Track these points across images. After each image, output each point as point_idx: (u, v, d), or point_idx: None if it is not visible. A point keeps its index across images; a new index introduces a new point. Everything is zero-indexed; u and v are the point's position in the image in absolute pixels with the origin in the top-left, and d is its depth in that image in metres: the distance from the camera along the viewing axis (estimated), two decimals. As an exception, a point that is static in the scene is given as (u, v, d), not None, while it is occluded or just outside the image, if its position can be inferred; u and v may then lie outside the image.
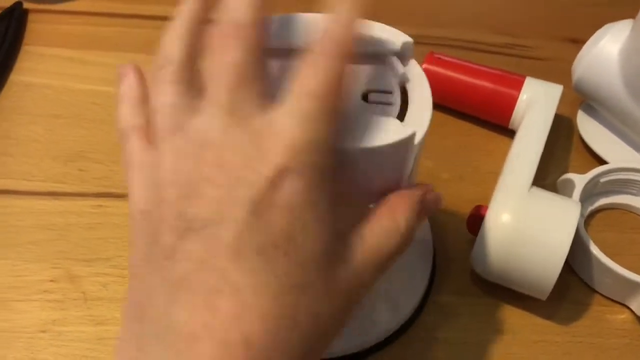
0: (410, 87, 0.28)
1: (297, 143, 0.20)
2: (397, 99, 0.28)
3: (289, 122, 0.20)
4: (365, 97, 0.28)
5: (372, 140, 0.25)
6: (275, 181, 0.20)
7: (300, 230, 0.20)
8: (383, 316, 0.35)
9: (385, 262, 0.25)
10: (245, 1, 0.22)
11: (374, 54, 0.29)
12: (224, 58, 0.21)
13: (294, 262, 0.20)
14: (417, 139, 0.26)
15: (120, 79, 0.26)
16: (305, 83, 0.21)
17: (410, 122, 0.27)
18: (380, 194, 0.27)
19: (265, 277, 0.19)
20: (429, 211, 0.28)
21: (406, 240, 0.26)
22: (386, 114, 0.27)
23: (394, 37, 0.29)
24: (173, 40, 0.23)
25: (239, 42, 0.22)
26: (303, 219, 0.20)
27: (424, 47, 0.30)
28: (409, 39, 0.29)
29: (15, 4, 0.52)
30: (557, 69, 0.47)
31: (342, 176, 0.24)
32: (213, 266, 0.19)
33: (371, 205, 0.27)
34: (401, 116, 0.27)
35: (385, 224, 0.25)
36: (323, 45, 0.22)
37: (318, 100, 0.21)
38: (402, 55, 0.29)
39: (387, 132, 0.25)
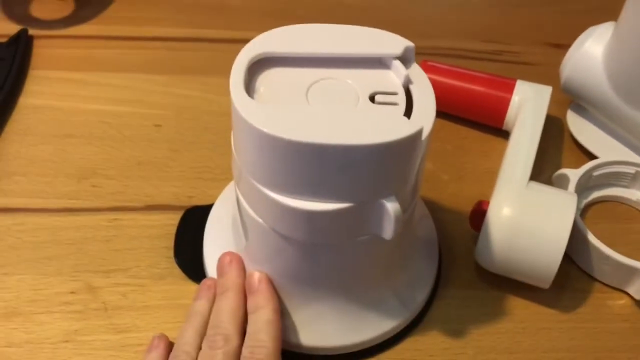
0: (413, 88, 0.30)
1: None
2: (402, 99, 0.30)
3: None
4: (372, 99, 0.30)
5: (383, 137, 0.26)
6: None
7: None
8: (394, 314, 0.37)
9: None
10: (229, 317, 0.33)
11: (378, 59, 0.31)
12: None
13: None
14: (424, 135, 0.28)
15: (150, 347, 0.35)
16: None
17: (416, 120, 0.28)
18: (390, 193, 0.29)
19: None
20: None
21: None
22: (393, 113, 0.29)
23: (396, 42, 0.31)
24: (192, 336, 0.33)
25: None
26: None
27: (417, 57, 0.32)
28: (410, 44, 0.31)
29: (20, 30, 0.53)
30: (544, 73, 0.49)
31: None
32: None
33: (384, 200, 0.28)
34: (407, 115, 0.29)
35: None
36: None
37: None
38: (405, 59, 0.31)
39: (396, 129, 0.27)
